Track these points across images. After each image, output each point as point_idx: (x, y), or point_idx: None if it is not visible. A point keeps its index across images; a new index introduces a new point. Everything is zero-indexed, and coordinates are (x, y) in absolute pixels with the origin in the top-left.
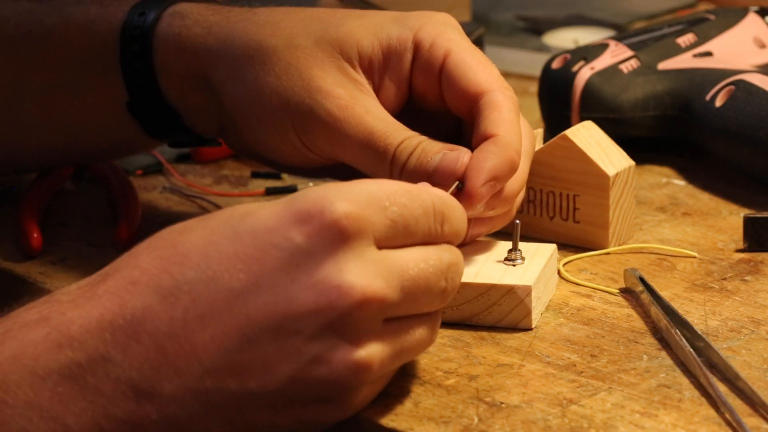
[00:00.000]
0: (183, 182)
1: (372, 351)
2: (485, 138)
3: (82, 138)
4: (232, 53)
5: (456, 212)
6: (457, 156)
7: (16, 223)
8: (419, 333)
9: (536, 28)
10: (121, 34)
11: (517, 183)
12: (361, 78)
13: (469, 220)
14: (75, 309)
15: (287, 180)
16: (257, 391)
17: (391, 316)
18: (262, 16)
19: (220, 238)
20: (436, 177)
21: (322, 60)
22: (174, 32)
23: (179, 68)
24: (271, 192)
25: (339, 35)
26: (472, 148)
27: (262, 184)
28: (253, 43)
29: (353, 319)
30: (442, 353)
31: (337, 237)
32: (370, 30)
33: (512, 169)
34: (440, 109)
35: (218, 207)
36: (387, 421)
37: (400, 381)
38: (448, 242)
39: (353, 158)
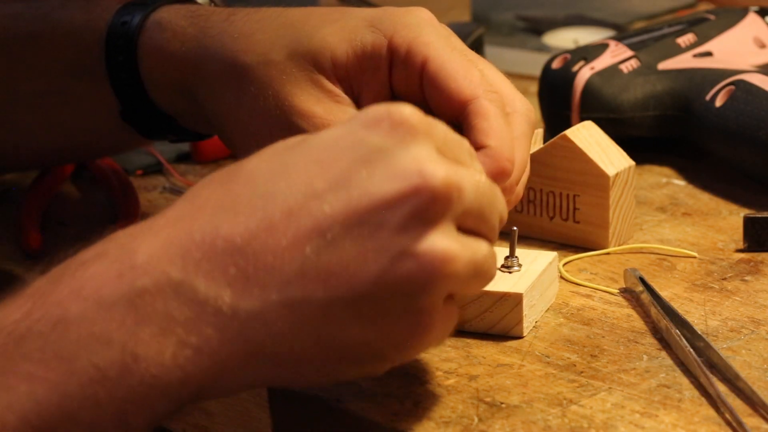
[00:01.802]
0: (183, 182)
1: (455, 244)
2: (476, 149)
3: (78, 139)
4: (209, 70)
5: (500, 206)
6: None
7: (16, 223)
8: (485, 250)
9: (536, 28)
10: (106, 44)
11: (519, 169)
12: (337, 89)
13: None
14: (135, 241)
15: None
16: (344, 297)
17: (463, 222)
18: (238, 26)
19: (288, 155)
20: None
21: (296, 76)
22: (155, 45)
23: (165, 80)
24: None
25: (312, 47)
26: None
27: None
28: (228, 60)
29: (438, 205)
30: (442, 353)
31: (408, 132)
32: (344, 37)
33: (505, 178)
34: (426, 110)
35: None
36: (387, 421)
37: (400, 381)
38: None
39: None
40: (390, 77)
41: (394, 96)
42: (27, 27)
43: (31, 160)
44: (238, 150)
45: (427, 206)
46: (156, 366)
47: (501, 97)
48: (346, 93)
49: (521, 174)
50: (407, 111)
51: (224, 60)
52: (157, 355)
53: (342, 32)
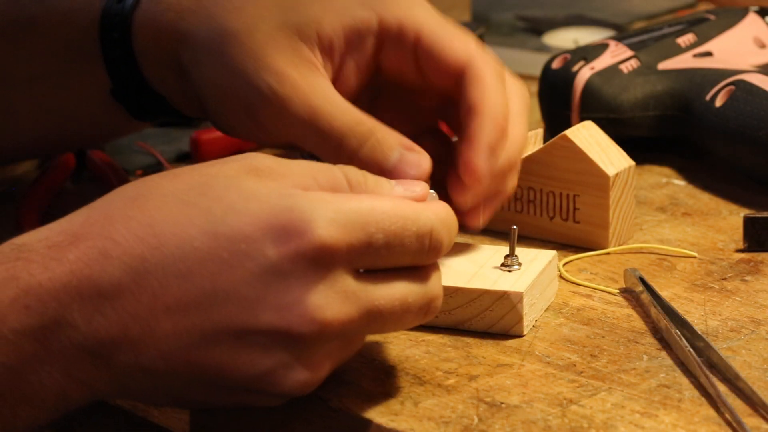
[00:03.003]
0: None
1: (322, 373)
2: (471, 110)
3: (71, 125)
4: (198, 37)
5: (452, 233)
6: (418, 161)
7: (16, 223)
8: (348, 353)
9: (536, 28)
10: (101, 22)
11: (518, 145)
12: (317, 59)
13: (476, 207)
14: (45, 272)
15: None
16: (207, 383)
17: (341, 338)
18: (232, 0)
19: (198, 232)
20: (393, 176)
21: (278, 41)
22: (149, 17)
23: (157, 54)
24: None
25: (300, 19)
26: (460, 122)
27: None
28: (217, 26)
29: (310, 344)
30: (442, 353)
31: (311, 264)
32: (333, 12)
33: (503, 136)
34: (420, 86)
35: None
36: (387, 421)
37: (400, 381)
38: (434, 260)
39: (300, 139)
40: (379, 54)
41: (386, 74)
42: (24, 12)
43: (23, 149)
44: (215, 117)
45: (298, 344)
46: (40, 388)
47: (496, 61)
48: (329, 65)
49: (520, 150)
50: (319, 239)
51: (212, 27)
52: (48, 385)
53: (332, 7)
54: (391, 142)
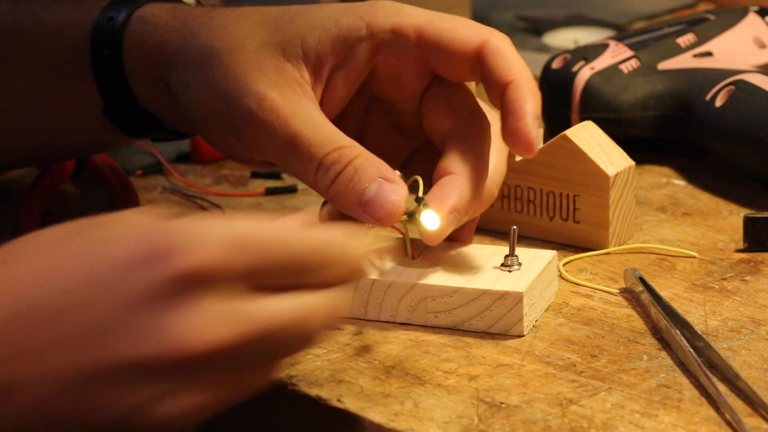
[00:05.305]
0: (183, 182)
1: (208, 401)
2: (505, 84)
3: (60, 138)
4: (183, 59)
5: (340, 259)
6: (395, 192)
7: (16, 223)
8: (255, 379)
9: (536, 28)
10: (92, 39)
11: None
12: (303, 77)
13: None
14: None
15: (287, 180)
16: (90, 421)
17: (234, 362)
18: (216, 19)
19: (69, 270)
20: (368, 209)
21: (261, 62)
22: (137, 39)
23: (146, 73)
24: (271, 192)
25: (284, 37)
26: (495, 96)
27: (262, 184)
28: (201, 48)
29: (189, 369)
30: (442, 353)
31: (184, 287)
32: (317, 25)
33: (537, 103)
34: (408, 95)
35: (218, 207)
36: (387, 421)
37: (400, 381)
38: (329, 285)
39: (282, 163)
40: (372, 62)
41: (379, 83)
42: (13, 25)
43: (11, 158)
44: (203, 135)
45: (176, 369)
46: None
47: (505, 35)
48: (318, 80)
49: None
50: (189, 263)
51: (197, 48)
52: None
53: (316, 21)
54: (370, 172)
